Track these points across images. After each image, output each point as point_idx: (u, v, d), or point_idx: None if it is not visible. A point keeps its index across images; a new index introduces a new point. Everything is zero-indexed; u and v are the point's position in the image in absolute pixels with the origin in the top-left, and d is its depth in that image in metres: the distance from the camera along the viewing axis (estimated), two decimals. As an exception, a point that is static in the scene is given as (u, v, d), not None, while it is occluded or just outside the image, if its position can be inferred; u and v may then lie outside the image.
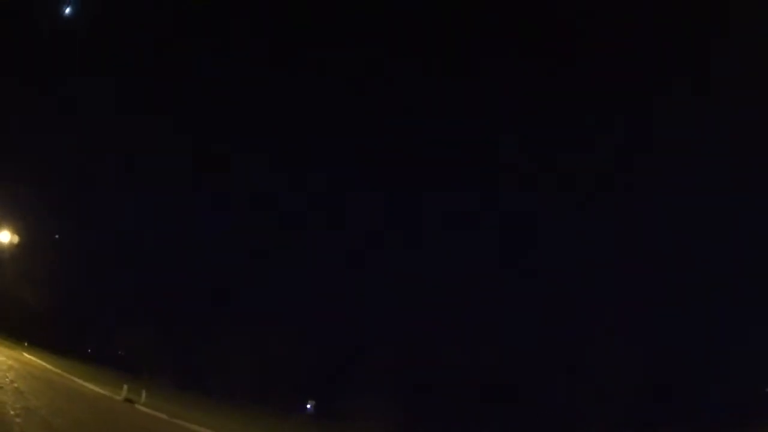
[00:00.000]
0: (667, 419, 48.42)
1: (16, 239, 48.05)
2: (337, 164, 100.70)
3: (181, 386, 71.17)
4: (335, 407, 62.16)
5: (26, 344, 73.95)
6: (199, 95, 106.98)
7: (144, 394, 39.96)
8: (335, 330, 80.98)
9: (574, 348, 60.95)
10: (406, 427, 57.49)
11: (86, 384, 44.21)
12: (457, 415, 60.64)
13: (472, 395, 62.56)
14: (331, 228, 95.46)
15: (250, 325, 78.69)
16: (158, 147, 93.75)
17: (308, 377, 74.42)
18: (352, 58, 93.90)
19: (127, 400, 38.93)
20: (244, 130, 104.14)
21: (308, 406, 62.24)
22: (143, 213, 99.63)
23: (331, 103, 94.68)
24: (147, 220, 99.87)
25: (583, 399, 56.30)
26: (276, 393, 71.82)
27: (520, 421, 58.31)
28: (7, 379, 30.65)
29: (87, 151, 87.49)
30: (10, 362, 43.75)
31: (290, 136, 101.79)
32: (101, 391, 42.02)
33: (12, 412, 19.65)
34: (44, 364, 54.51)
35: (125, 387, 41.11)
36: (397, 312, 76.85)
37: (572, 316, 64.77)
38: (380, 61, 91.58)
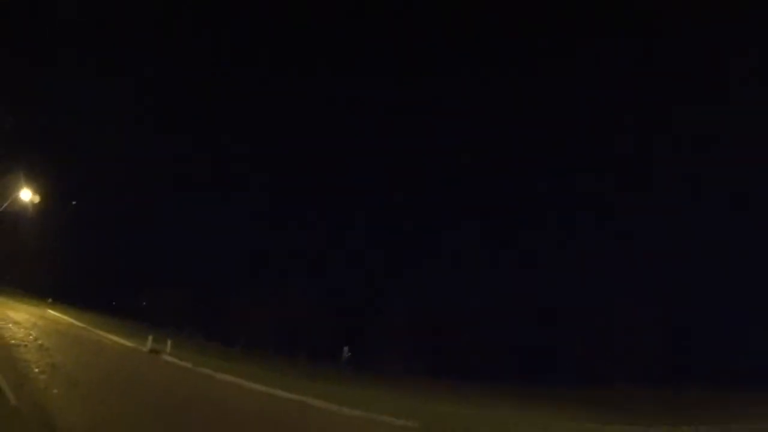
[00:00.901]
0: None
1: (37, 198, 48.01)
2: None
3: (207, 337, 71.99)
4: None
5: (50, 301, 74.65)
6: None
7: (169, 345, 40.26)
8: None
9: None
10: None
11: (111, 337, 44.58)
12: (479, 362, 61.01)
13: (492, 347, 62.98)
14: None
15: (278, 282, 78.75)
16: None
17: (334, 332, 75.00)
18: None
19: (153, 351, 39.26)
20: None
21: (345, 351, 62.45)
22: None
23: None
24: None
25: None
26: (301, 346, 72.61)
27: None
28: (31, 337, 30.93)
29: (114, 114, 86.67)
30: (34, 319, 44.18)
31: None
32: (126, 343, 42.37)
33: (37, 370, 19.81)
34: (68, 319, 54.97)
35: (150, 338, 41.41)
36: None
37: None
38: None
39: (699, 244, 64.96)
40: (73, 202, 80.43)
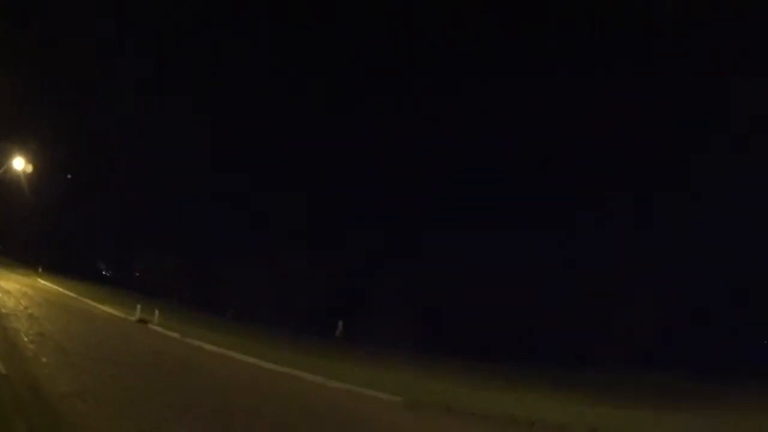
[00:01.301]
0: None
1: (30, 168, 48.23)
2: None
3: (198, 307, 72.46)
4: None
5: (40, 270, 75.02)
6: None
7: (157, 314, 40.73)
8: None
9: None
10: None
11: (100, 306, 45.07)
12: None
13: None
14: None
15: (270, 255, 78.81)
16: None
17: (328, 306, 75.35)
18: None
19: (141, 321, 39.79)
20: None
21: (339, 326, 62.85)
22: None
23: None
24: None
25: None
26: (292, 319, 73.06)
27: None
28: (21, 306, 31.44)
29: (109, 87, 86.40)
30: (24, 289, 44.68)
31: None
32: (115, 312, 42.88)
33: (26, 339, 20.33)
34: (59, 288, 55.43)
35: (138, 307, 41.90)
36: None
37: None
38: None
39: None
40: (68, 176, 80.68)
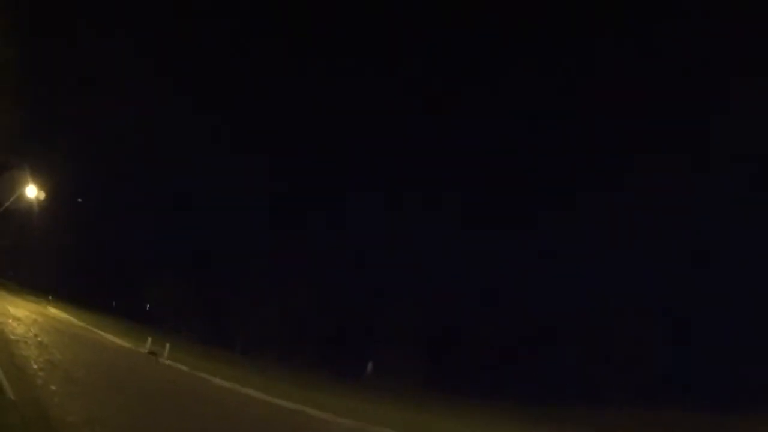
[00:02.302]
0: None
1: (42, 195, 48.45)
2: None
3: (208, 342, 72.16)
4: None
5: (50, 298, 75.03)
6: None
7: (168, 348, 40.49)
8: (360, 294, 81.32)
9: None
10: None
11: (110, 337, 44.93)
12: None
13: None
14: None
15: (278, 285, 78.58)
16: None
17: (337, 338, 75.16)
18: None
19: (151, 353, 39.56)
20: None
21: (368, 366, 62.82)
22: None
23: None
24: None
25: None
26: (302, 353, 72.83)
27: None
28: (30, 333, 31.21)
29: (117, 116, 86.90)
30: (34, 316, 44.49)
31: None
32: (125, 344, 42.73)
33: (35, 366, 20.08)
34: (68, 317, 55.35)
35: (149, 340, 41.77)
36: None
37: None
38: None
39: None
40: (79, 200, 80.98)
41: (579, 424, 35.58)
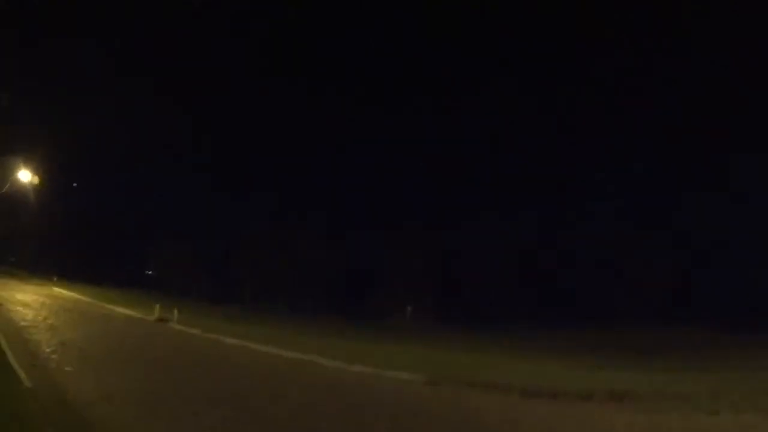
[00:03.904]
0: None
1: (36, 179, 47.80)
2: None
3: (216, 301, 71.98)
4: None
5: (55, 279, 74.65)
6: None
7: (176, 313, 40.35)
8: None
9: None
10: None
11: (118, 309, 44.89)
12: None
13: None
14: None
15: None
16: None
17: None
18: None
19: (160, 320, 39.44)
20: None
21: (407, 311, 62.83)
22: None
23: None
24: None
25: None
26: (312, 303, 72.85)
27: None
28: (40, 317, 31.21)
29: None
30: (41, 299, 44.40)
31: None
32: (133, 314, 42.63)
33: (48, 349, 20.09)
34: (75, 295, 55.18)
35: (157, 307, 41.56)
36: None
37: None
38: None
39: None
40: (75, 184, 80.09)
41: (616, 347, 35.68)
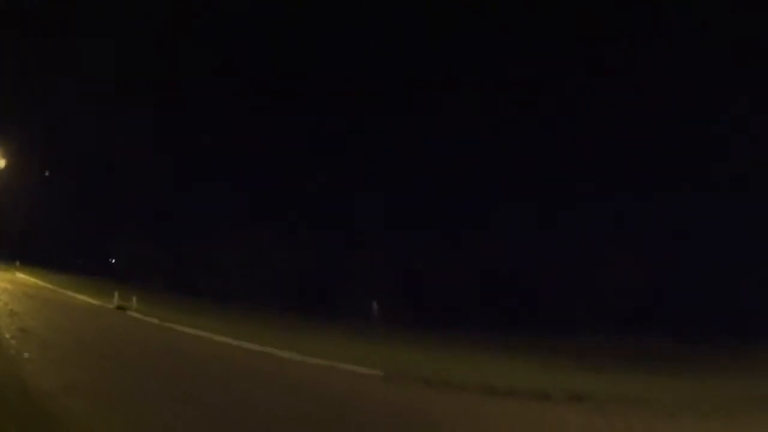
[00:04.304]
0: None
1: (2, 163, 47.62)
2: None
3: (175, 292, 71.80)
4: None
5: (18, 264, 73.99)
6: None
7: (135, 301, 40.57)
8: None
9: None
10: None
11: (79, 296, 44.77)
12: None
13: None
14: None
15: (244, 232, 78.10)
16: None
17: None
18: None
19: (119, 308, 39.59)
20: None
21: (374, 307, 63.02)
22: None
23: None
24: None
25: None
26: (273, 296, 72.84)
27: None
28: (0, 302, 31.07)
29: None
30: (3, 284, 44.16)
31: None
32: (94, 301, 42.59)
33: (8, 335, 20.14)
34: (37, 281, 54.87)
35: (116, 295, 41.71)
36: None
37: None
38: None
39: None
40: (46, 172, 79.48)
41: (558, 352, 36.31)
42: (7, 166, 49.84)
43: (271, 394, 16.10)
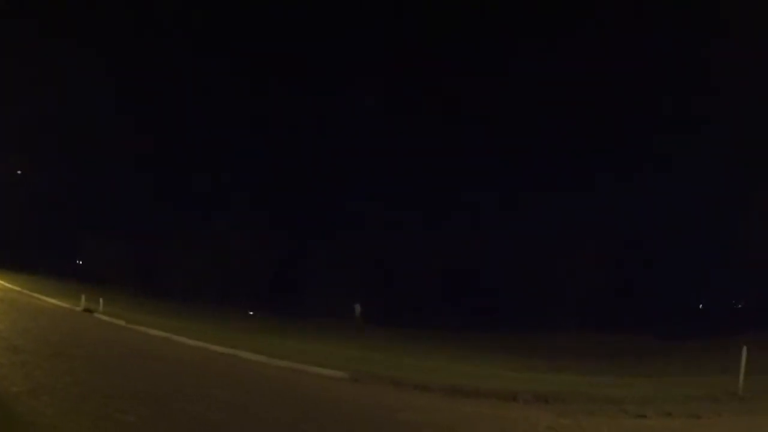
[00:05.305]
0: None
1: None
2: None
3: (143, 292, 71.27)
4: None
5: (-16, 265, 72.81)
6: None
7: (102, 303, 40.31)
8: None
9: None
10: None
11: (46, 299, 44.13)
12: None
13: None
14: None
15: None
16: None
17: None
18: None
19: (86, 311, 39.28)
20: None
21: (356, 309, 62.63)
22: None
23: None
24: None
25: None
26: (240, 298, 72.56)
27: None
28: (-33, 306, 30.67)
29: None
30: (-31, 288, 43.53)
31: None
32: (61, 303, 42.14)
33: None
34: (3, 283, 54.10)
35: (83, 297, 41.41)
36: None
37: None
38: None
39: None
40: (18, 172, 78.24)
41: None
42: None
43: (235, 395, 16.10)
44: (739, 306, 65.19)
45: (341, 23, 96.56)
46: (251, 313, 64.64)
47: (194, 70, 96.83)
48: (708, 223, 62.74)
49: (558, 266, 61.70)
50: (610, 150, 73.86)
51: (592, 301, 57.67)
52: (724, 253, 59.55)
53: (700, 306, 67.66)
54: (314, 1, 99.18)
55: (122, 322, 34.20)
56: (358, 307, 62.00)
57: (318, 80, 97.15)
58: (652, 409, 15.74)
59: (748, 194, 56.38)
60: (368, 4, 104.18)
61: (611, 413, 15.50)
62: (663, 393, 18.30)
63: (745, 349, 18.19)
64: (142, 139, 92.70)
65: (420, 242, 69.47)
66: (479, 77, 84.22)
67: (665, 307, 58.29)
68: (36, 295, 45.86)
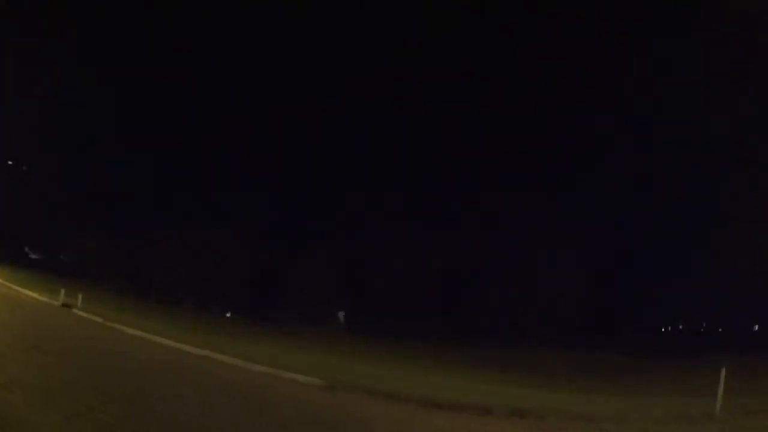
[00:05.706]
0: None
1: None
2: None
3: (122, 291, 70.97)
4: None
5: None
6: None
7: (80, 299, 40.12)
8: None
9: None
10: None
11: (25, 292, 43.82)
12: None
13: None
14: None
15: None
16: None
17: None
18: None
19: (65, 306, 39.05)
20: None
21: (340, 316, 62.46)
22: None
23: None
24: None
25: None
26: (218, 300, 72.36)
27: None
28: (-54, 296, 30.42)
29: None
30: (-50, 279, 43.19)
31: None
32: (40, 297, 41.85)
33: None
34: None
35: (62, 292, 41.16)
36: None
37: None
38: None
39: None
40: (9, 162, 77.67)
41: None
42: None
43: (207, 397, 16.05)
44: (720, 330, 65.67)
45: (341, 23, 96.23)
46: (228, 315, 64.36)
47: (187, 68, 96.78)
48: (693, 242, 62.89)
49: (540, 283, 61.69)
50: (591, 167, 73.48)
51: (573, 318, 57.79)
52: (706, 276, 59.76)
53: (680, 327, 68.03)
54: (314, 1, 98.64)
55: (99, 320, 33.98)
56: (341, 315, 61.85)
57: (313, 79, 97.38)
58: (629, 427, 15.71)
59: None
60: (368, 4, 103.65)
61: (587, 430, 15.47)
62: (639, 412, 18.30)
63: (723, 370, 18.23)
64: (132, 137, 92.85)
65: (408, 253, 69.02)
66: (479, 77, 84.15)
67: (643, 327, 58.51)
68: (16, 287, 45.54)
